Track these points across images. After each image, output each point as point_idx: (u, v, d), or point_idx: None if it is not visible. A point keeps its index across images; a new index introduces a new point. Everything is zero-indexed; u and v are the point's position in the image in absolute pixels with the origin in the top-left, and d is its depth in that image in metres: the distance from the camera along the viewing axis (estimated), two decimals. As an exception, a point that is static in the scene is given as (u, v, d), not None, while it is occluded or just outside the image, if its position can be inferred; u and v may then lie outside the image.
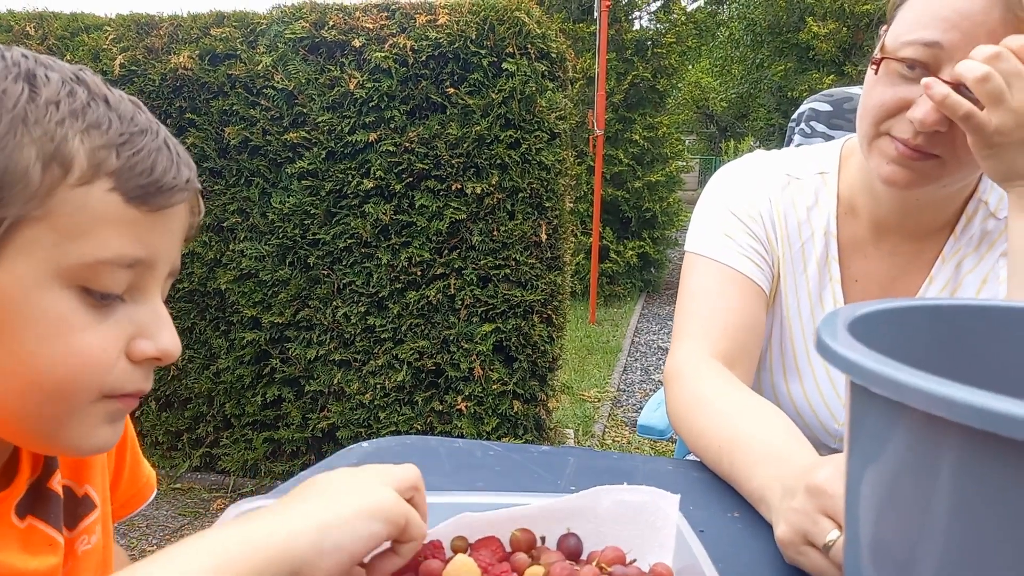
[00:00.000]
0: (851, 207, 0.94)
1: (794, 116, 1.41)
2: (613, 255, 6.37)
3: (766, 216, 0.95)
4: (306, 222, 2.53)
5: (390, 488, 0.46)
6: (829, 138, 1.28)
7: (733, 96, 14.93)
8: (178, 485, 2.84)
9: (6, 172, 0.41)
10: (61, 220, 0.43)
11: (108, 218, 0.44)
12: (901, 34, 0.74)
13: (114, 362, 0.46)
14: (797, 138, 1.38)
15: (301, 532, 0.41)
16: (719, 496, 0.68)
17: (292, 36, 2.43)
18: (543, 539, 0.54)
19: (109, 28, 2.58)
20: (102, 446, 0.49)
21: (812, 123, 1.37)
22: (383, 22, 2.41)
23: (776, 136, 11.27)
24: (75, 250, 0.43)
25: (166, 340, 0.48)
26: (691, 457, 1.06)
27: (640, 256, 6.62)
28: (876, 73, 0.78)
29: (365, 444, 0.73)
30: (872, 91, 0.78)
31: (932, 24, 0.71)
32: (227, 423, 2.78)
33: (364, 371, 2.62)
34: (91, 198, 0.44)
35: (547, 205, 2.47)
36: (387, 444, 0.74)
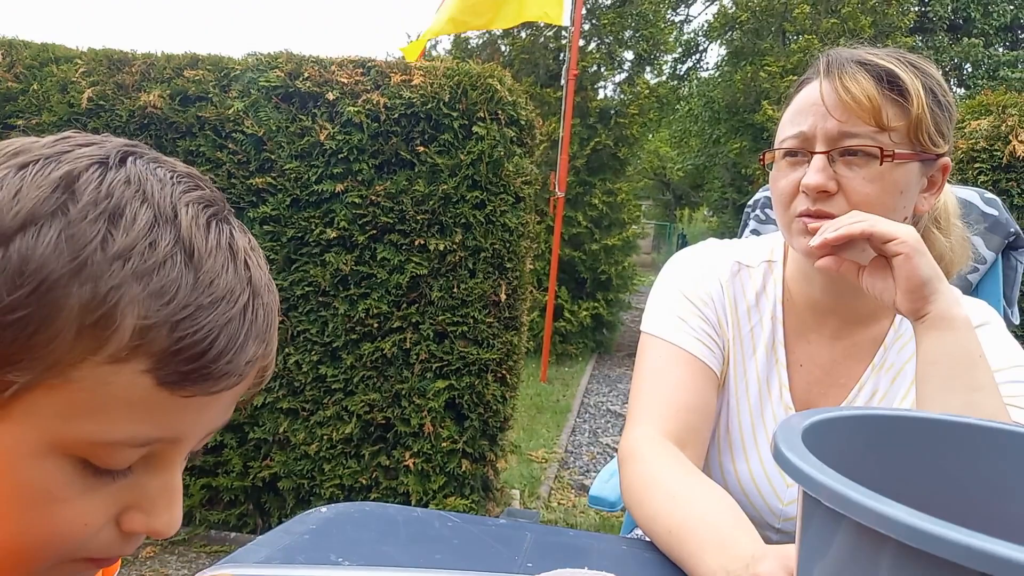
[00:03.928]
0: (791, 294, 1.01)
1: (750, 202, 1.49)
2: (567, 314, 6.44)
3: (717, 301, 1.00)
4: (265, 267, 2.51)
5: None
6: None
7: (690, 167, 15.46)
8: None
9: (34, 335, 0.35)
10: (75, 394, 0.36)
11: (130, 400, 0.37)
12: (780, 136, 0.93)
13: (97, 532, 0.40)
14: (752, 223, 1.45)
15: None
16: (669, 578, 0.70)
17: (266, 84, 2.46)
18: (499, 618, 0.55)
19: (80, 61, 2.57)
20: None
21: (767, 210, 1.45)
22: (358, 78, 2.46)
23: (729, 209, 11.66)
24: (82, 427, 0.37)
25: (164, 521, 0.42)
26: (639, 532, 1.08)
27: (593, 317, 6.70)
28: (770, 169, 0.95)
29: (323, 509, 0.73)
30: (775, 185, 0.93)
31: (794, 120, 0.90)
32: (164, 468, 2.69)
33: (312, 421, 2.57)
34: (118, 378, 0.36)
35: (508, 266, 2.51)
36: (346, 510, 0.74)
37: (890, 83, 0.84)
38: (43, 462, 0.37)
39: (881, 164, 0.83)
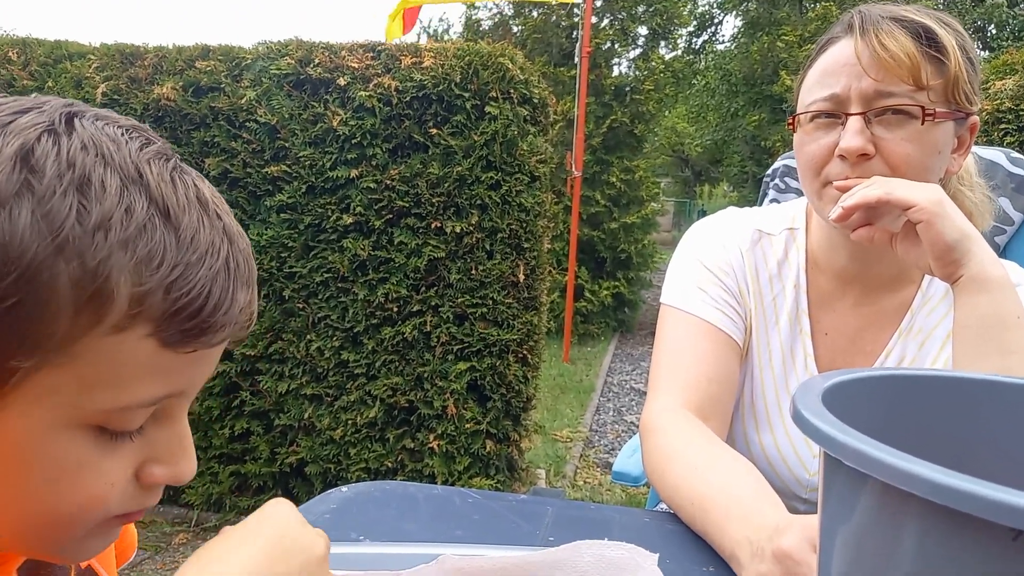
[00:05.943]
0: (816, 262, 0.98)
1: (768, 172, 1.46)
2: (588, 294, 6.42)
3: (738, 270, 0.98)
4: (283, 255, 2.53)
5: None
6: (802, 194, 1.32)
7: (708, 142, 15.27)
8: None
9: (31, 320, 0.34)
10: (83, 369, 0.37)
11: (138, 365, 0.38)
12: (805, 99, 0.88)
13: (121, 491, 0.41)
14: (772, 193, 1.42)
15: None
16: (693, 550, 0.69)
17: (277, 72, 2.46)
18: (521, 591, 0.55)
19: (93, 57, 2.59)
20: (90, 555, 0.46)
21: (786, 179, 1.42)
22: (368, 62, 2.45)
23: (749, 183, 11.53)
24: (95, 398, 0.37)
25: (182, 468, 0.43)
26: (663, 506, 1.07)
27: (614, 296, 6.67)
28: (795, 132, 0.90)
29: (344, 489, 0.73)
30: (802, 150, 0.89)
31: (824, 81, 0.86)
32: (193, 456, 2.73)
33: (336, 406, 2.60)
34: (123, 346, 0.37)
35: (525, 246, 2.49)
36: (366, 489, 0.74)
37: (928, 40, 0.81)
38: (62, 436, 0.38)
39: (922, 124, 0.81)
